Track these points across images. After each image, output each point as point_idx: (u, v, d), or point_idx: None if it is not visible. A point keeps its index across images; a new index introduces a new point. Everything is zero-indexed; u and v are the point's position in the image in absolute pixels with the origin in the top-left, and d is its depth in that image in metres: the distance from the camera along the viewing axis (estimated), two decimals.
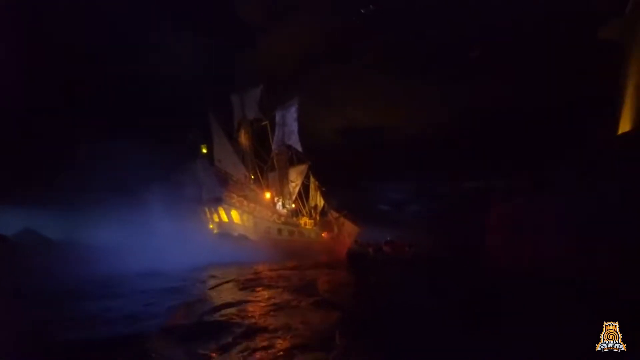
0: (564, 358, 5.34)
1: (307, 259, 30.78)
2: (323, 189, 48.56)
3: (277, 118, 41.75)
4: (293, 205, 41.11)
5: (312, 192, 47.64)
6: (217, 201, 29.92)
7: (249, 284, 13.93)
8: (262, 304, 9.50)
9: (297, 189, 41.14)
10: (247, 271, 20.27)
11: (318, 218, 45.71)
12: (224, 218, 30.11)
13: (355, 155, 54.33)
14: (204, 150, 30.53)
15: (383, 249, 33.42)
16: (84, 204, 25.03)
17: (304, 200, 45.24)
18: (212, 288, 12.85)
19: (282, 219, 36.39)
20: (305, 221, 42.68)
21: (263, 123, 36.62)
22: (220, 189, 30.11)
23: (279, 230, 35.30)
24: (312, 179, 46.58)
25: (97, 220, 26.52)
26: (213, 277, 17.41)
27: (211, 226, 30.80)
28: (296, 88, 41.55)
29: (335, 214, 49.63)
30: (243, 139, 35.96)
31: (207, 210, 30.85)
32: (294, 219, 39.67)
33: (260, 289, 12.51)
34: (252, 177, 35.36)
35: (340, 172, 55.49)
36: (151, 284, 14.33)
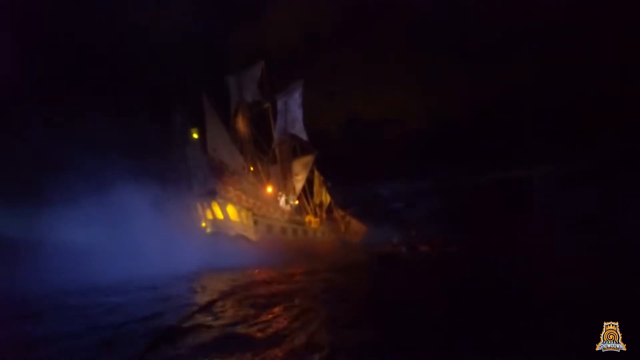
0: None
1: (316, 262, 26.39)
2: (329, 184, 44.29)
3: (279, 105, 37.43)
4: (297, 202, 36.71)
5: (316, 187, 43.39)
6: (211, 195, 25.47)
7: (253, 301, 9.54)
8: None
9: (301, 184, 36.77)
10: (246, 280, 15.88)
11: (324, 216, 41.38)
12: (219, 215, 25.65)
13: (362, 149, 50.24)
14: (195, 136, 26.03)
15: (419, 249, 29.05)
16: (50, 194, 20.52)
17: (308, 197, 40.91)
18: (198, 312, 8.43)
19: (286, 216, 32.01)
20: (310, 219, 38.35)
21: (264, 106, 32.18)
22: (214, 180, 25.66)
23: (283, 229, 30.91)
24: (316, 174, 42.33)
25: (67, 215, 21.93)
26: (202, 289, 13.02)
27: (203, 224, 26.33)
28: (300, 72, 37.19)
29: (341, 212, 45.41)
30: (241, 125, 31.57)
31: (198, 205, 26.40)
32: (299, 216, 35.27)
33: (272, 313, 8.10)
34: (252, 168, 30.90)
35: (345, 166, 51.32)
36: (109, 303, 9.96)
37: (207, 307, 9.20)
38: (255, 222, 27.78)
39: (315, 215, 40.76)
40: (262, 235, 28.24)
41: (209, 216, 26.05)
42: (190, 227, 25.68)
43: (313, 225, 38.01)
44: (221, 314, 8.17)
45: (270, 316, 7.65)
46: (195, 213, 26.70)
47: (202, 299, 10.54)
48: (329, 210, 44.34)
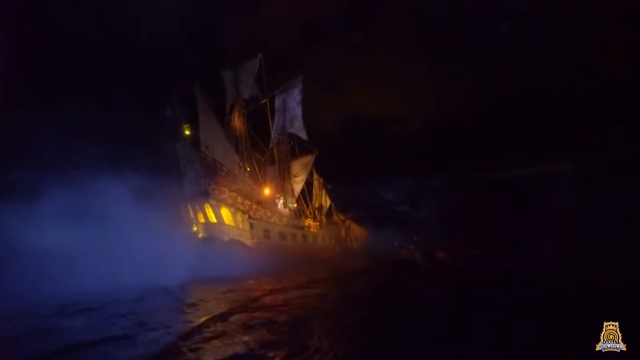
0: None
1: (319, 270, 24.28)
2: (329, 186, 42.20)
3: (277, 103, 35.39)
4: (295, 205, 34.59)
5: (316, 190, 41.24)
6: (203, 196, 23.30)
7: (248, 334, 7.45)
8: None
9: (301, 185, 34.69)
10: (242, 293, 13.75)
11: (324, 220, 39.25)
12: (212, 218, 23.47)
13: (363, 148, 48.38)
14: (187, 132, 23.89)
15: (437, 255, 26.86)
16: (16, 190, 18.20)
17: (308, 200, 38.80)
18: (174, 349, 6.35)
19: (284, 220, 29.86)
20: (309, 223, 36.21)
21: (261, 101, 30.10)
22: (207, 180, 23.50)
23: (281, 234, 28.75)
24: (315, 176, 40.23)
25: (34, 215, 19.56)
26: (189, 307, 10.86)
27: (195, 228, 24.14)
28: (298, 66, 35.23)
29: (341, 216, 43.28)
30: (237, 122, 29.43)
31: (189, 207, 24.21)
32: (298, 220, 33.14)
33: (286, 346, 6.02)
34: (248, 169, 28.76)
35: (345, 167, 49.35)
36: (58, 328, 7.84)
37: (189, 336, 7.09)
38: (252, 226, 25.62)
39: (315, 219, 38.64)
40: (259, 241, 26.08)
41: (201, 219, 23.87)
42: (180, 232, 23.47)
43: (312, 229, 35.88)
44: (204, 353, 6.08)
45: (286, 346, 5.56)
46: (186, 216, 24.51)
47: (185, 324, 8.41)
48: (329, 214, 42.26)
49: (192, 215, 24.16)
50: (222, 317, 8.84)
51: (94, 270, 16.10)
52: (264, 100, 29.97)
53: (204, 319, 8.70)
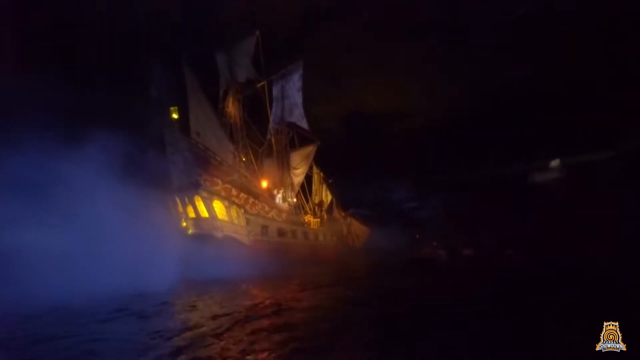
0: None
1: (326, 271, 21.84)
2: (330, 181, 39.69)
3: (275, 91, 32.81)
4: (295, 200, 32.00)
5: (316, 184, 38.75)
6: (193, 187, 20.66)
7: None
8: None
9: (301, 178, 32.13)
10: (238, 302, 11.19)
11: (325, 216, 36.74)
12: (203, 212, 20.83)
13: (365, 144, 46.00)
14: (175, 116, 21.17)
15: (462, 252, 24.47)
16: None
17: (308, 195, 36.26)
18: None
19: (284, 215, 27.28)
20: (309, 220, 33.70)
21: (259, 85, 27.44)
22: (197, 170, 20.87)
23: (280, 231, 26.18)
24: (315, 169, 37.70)
25: (8, 213, 16.81)
26: (167, 329, 8.24)
27: (184, 224, 21.49)
28: (299, 52, 32.59)
29: (342, 213, 40.79)
30: (231, 108, 26.75)
31: (177, 200, 21.55)
32: (298, 216, 30.59)
33: None
34: (244, 159, 26.15)
35: (347, 163, 46.88)
36: None
37: None
38: (248, 222, 23.03)
39: (315, 215, 36.12)
40: (256, 238, 23.51)
41: (191, 214, 21.22)
42: (167, 228, 20.77)
43: (313, 226, 33.37)
44: None
45: None
46: (174, 210, 21.83)
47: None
48: (329, 210, 39.79)
49: (181, 209, 21.50)
50: (202, 344, 6.26)
51: (61, 275, 13.46)
52: (262, 84, 27.28)
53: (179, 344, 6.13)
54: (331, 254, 29.77)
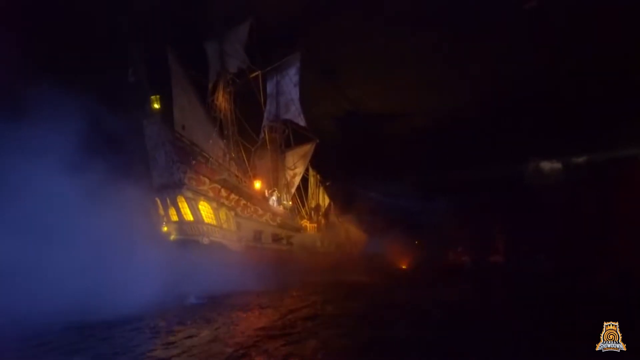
0: None
1: (328, 283, 19.44)
2: (327, 183, 37.32)
3: (269, 88, 30.42)
4: (290, 203, 29.46)
5: (312, 187, 36.36)
6: (176, 187, 18.07)
7: None
8: None
9: (298, 179, 29.68)
10: (228, 333, 8.80)
11: (323, 221, 34.30)
12: (187, 215, 18.21)
13: (365, 145, 43.72)
14: (156, 106, 18.63)
15: (490, 259, 22.17)
16: None
17: (304, 198, 33.79)
18: None
19: (279, 219, 24.71)
20: (305, 225, 31.21)
21: (252, 75, 25.02)
22: (181, 167, 18.29)
23: (275, 237, 23.62)
24: (311, 172, 35.32)
25: None
26: None
27: (165, 228, 18.83)
28: (296, 42, 30.27)
29: (340, 218, 38.39)
30: (221, 101, 24.28)
31: (158, 201, 18.91)
32: (294, 221, 28.06)
33: None
34: (234, 155, 23.65)
35: (344, 165, 44.50)
36: None
37: None
38: (239, 226, 20.46)
39: (311, 220, 33.64)
40: (248, 244, 20.92)
41: (174, 217, 18.58)
42: (145, 233, 18.06)
43: (309, 231, 30.87)
44: None
45: None
46: (154, 213, 19.17)
47: None
48: (326, 215, 37.37)
49: (161, 211, 18.85)
50: None
51: (27, 290, 10.87)
52: (255, 74, 24.85)
53: None
54: (331, 263, 27.21)
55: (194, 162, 18.85)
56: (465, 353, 7.39)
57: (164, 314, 11.94)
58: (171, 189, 18.17)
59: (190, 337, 8.75)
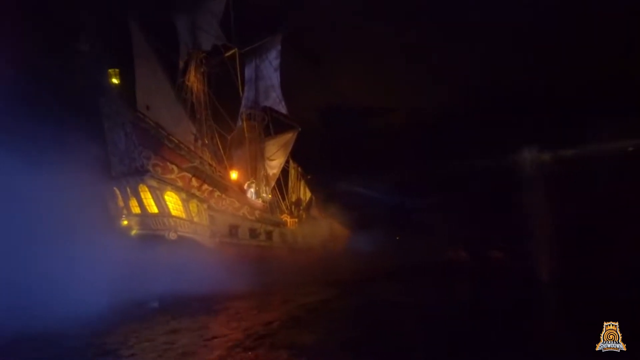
0: None
1: (309, 282, 17.63)
2: (309, 176, 35.44)
3: (248, 72, 28.23)
4: (270, 196, 27.40)
5: (292, 180, 34.37)
6: (138, 174, 15.67)
7: None
8: None
9: (278, 170, 27.65)
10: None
11: (304, 216, 32.42)
12: (151, 207, 15.85)
13: (348, 139, 42.21)
14: (115, 81, 16.12)
15: (490, 255, 20.85)
16: None
17: (284, 191, 31.81)
18: None
19: (257, 213, 22.62)
20: (286, 219, 29.24)
21: (228, 53, 22.71)
22: (144, 151, 15.91)
23: (253, 232, 21.54)
24: (292, 164, 33.36)
25: None
26: None
27: (125, 222, 16.39)
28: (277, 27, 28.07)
29: (322, 213, 36.64)
30: (193, 81, 21.85)
31: (117, 191, 16.44)
32: (274, 214, 26.05)
33: None
34: (207, 142, 21.35)
35: (326, 158, 42.80)
36: None
37: None
38: (213, 220, 18.27)
39: (292, 214, 31.69)
40: (223, 240, 18.76)
41: (135, 209, 16.17)
42: (102, 227, 15.61)
43: (290, 226, 28.93)
44: None
45: None
46: (112, 204, 16.68)
47: None
48: (307, 209, 35.52)
49: (121, 202, 16.39)
50: None
51: None
52: (232, 52, 22.55)
53: None
54: (314, 260, 25.40)
55: (159, 147, 16.50)
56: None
57: (115, 326, 9.77)
58: (132, 176, 15.76)
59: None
